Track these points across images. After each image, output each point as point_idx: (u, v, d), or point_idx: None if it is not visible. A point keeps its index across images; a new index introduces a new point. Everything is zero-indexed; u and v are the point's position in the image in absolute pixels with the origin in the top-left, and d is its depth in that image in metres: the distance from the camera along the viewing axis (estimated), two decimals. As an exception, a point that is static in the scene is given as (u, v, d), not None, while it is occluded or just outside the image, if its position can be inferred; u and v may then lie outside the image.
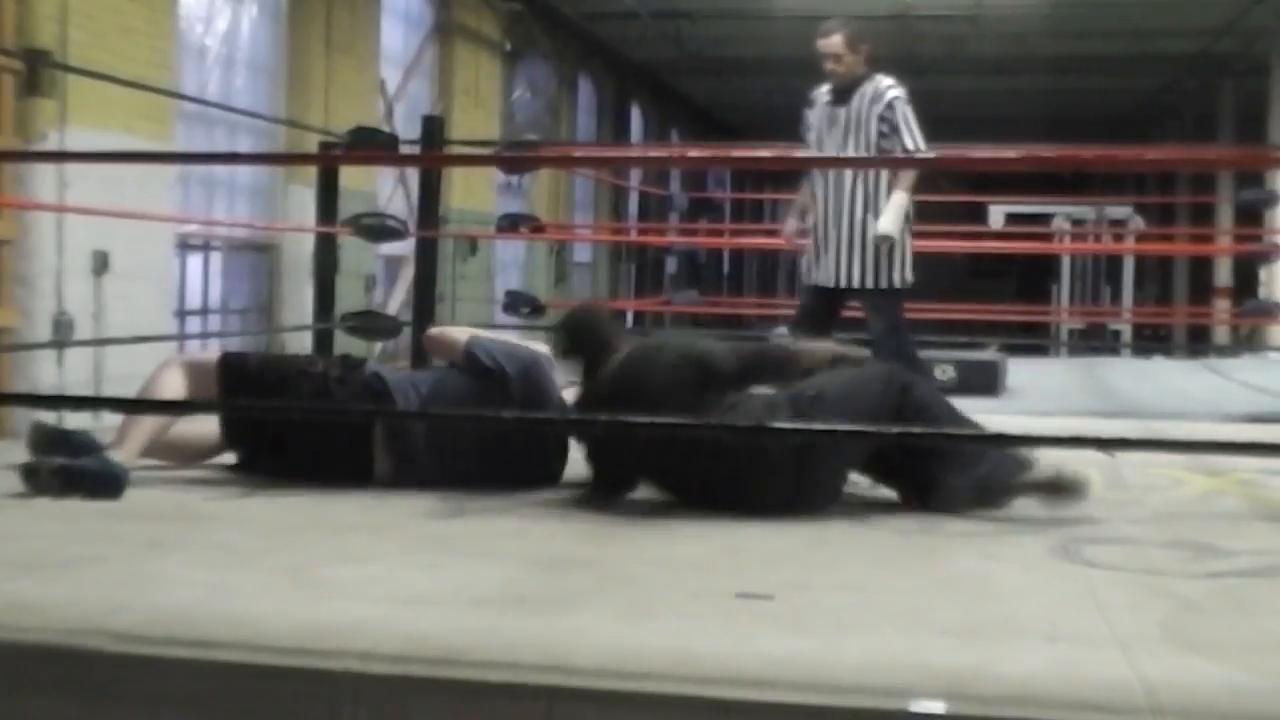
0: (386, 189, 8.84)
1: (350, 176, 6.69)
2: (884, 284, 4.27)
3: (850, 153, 4.27)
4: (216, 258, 7.04)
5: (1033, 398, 6.60)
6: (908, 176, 4.24)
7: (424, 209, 5.83)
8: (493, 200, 10.37)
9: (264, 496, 3.00)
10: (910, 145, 4.22)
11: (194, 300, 6.85)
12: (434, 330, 3.45)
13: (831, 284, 4.32)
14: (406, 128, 8.56)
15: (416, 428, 3.11)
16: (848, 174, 4.28)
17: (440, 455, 3.13)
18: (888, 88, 4.28)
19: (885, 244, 4.20)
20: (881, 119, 4.24)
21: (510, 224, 6.87)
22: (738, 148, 9.03)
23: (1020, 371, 7.49)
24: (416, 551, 2.51)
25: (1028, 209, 11.59)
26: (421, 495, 3.04)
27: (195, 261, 6.86)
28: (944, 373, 6.88)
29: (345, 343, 5.55)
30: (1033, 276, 16.14)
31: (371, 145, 5.46)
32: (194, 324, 6.86)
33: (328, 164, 5.66)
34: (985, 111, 14.41)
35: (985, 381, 6.89)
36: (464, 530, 2.75)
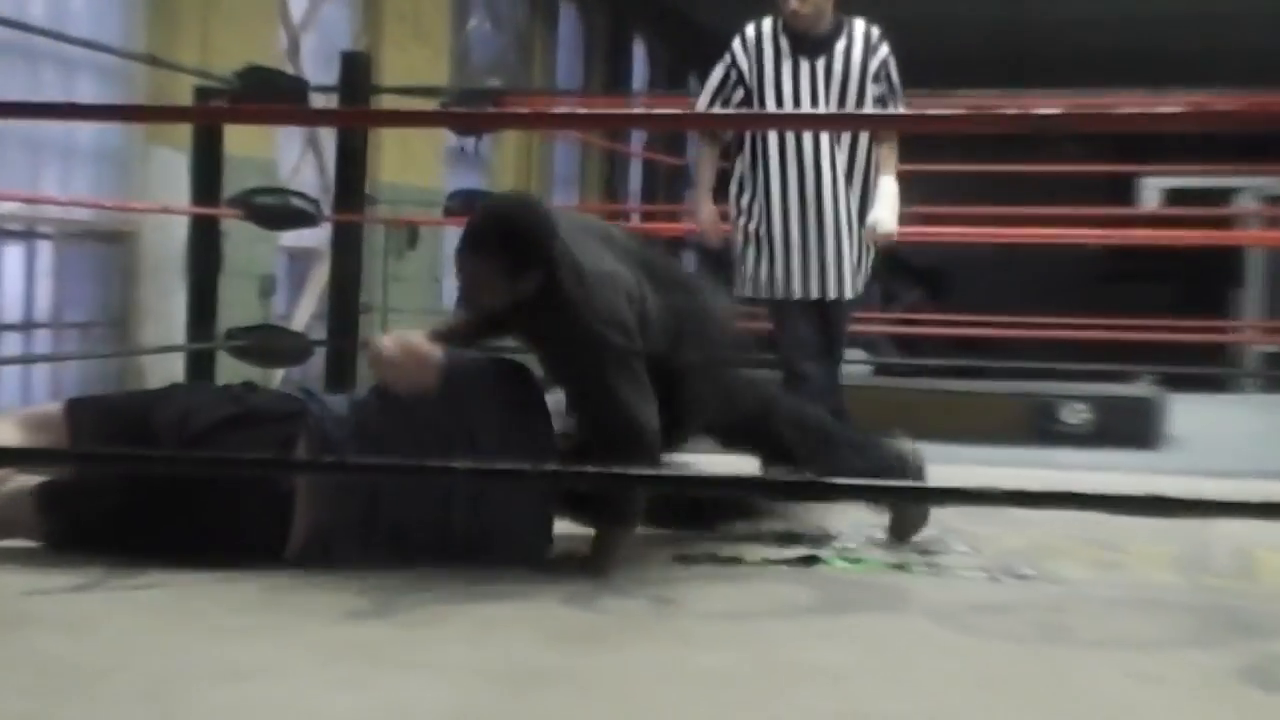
0: (291, 156, 8.87)
1: (240, 137, 6.72)
2: (857, 291, 4.65)
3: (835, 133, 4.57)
4: (45, 250, 7.06)
5: (1204, 451, 6.59)
6: (894, 153, 4.58)
7: (343, 184, 5.87)
8: (440, 173, 10.40)
9: (109, 588, 2.98)
10: (903, 106, 4.61)
11: (12, 310, 6.86)
12: (391, 342, 3.36)
13: (815, 295, 4.61)
14: (318, 69, 8.60)
15: (352, 479, 3.14)
16: (823, 144, 4.53)
17: (380, 520, 3.15)
18: (879, 36, 4.59)
19: (885, 243, 4.59)
20: (877, 78, 4.56)
21: (464, 205, 6.88)
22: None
23: (1187, 414, 7.49)
24: (330, 662, 2.50)
25: (1197, 182, 11.60)
26: (337, 580, 3.04)
27: (13, 255, 6.88)
28: (1075, 414, 6.88)
29: (231, 368, 5.55)
30: (1204, 279, 16.14)
31: (269, 93, 5.50)
32: (12, 343, 6.86)
33: (206, 119, 5.68)
34: (1127, 42, 14.49)
35: (1135, 427, 6.88)
36: (397, 631, 2.75)
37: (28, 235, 6.94)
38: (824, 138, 4.56)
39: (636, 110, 11.02)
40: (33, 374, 6.89)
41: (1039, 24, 14.04)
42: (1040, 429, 7.02)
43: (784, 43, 4.54)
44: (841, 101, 4.50)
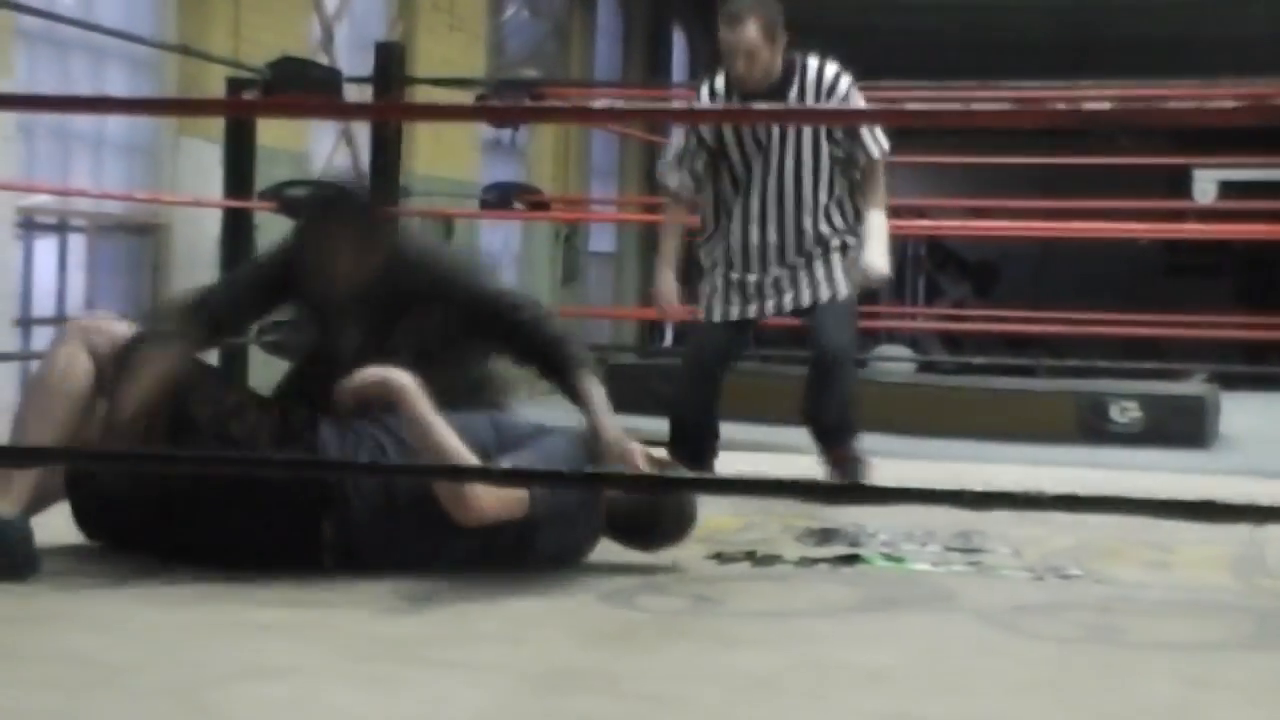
0: (324, 147, 8.91)
1: (272, 129, 6.76)
2: (841, 293, 4.56)
3: (798, 177, 4.48)
4: (77, 242, 7.11)
5: (1257, 451, 6.54)
6: (880, 186, 4.53)
7: (378, 177, 5.88)
8: (475, 164, 10.43)
9: (139, 586, 2.99)
10: (876, 151, 4.51)
11: (44, 303, 6.91)
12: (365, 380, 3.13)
13: (763, 315, 4.63)
14: (352, 59, 8.63)
15: (379, 489, 3.10)
16: (788, 183, 4.48)
17: (410, 524, 3.12)
18: (835, 75, 4.51)
19: (877, 283, 4.58)
20: (831, 135, 4.49)
21: (500, 198, 6.92)
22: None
23: (1241, 412, 7.43)
24: (361, 661, 2.50)
25: (1254, 175, 11.47)
26: (369, 577, 3.04)
27: (46, 248, 6.93)
28: (1125, 413, 6.84)
29: (264, 364, 5.57)
30: (1260, 274, 16.02)
31: (302, 85, 5.52)
32: (45, 337, 6.91)
33: (238, 111, 5.71)
34: (1187, 28, 14.36)
35: (1187, 426, 6.84)
36: (430, 629, 2.74)
37: (60, 228, 7.00)
38: (802, 183, 4.48)
39: (675, 105, 10.97)
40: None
41: (1100, 8, 13.94)
42: (1089, 428, 6.98)
43: (735, 100, 4.50)
44: (799, 158, 4.45)
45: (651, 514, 3.26)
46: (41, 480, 3.10)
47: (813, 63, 4.51)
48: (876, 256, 4.44)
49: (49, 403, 3.12)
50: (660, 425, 7.01)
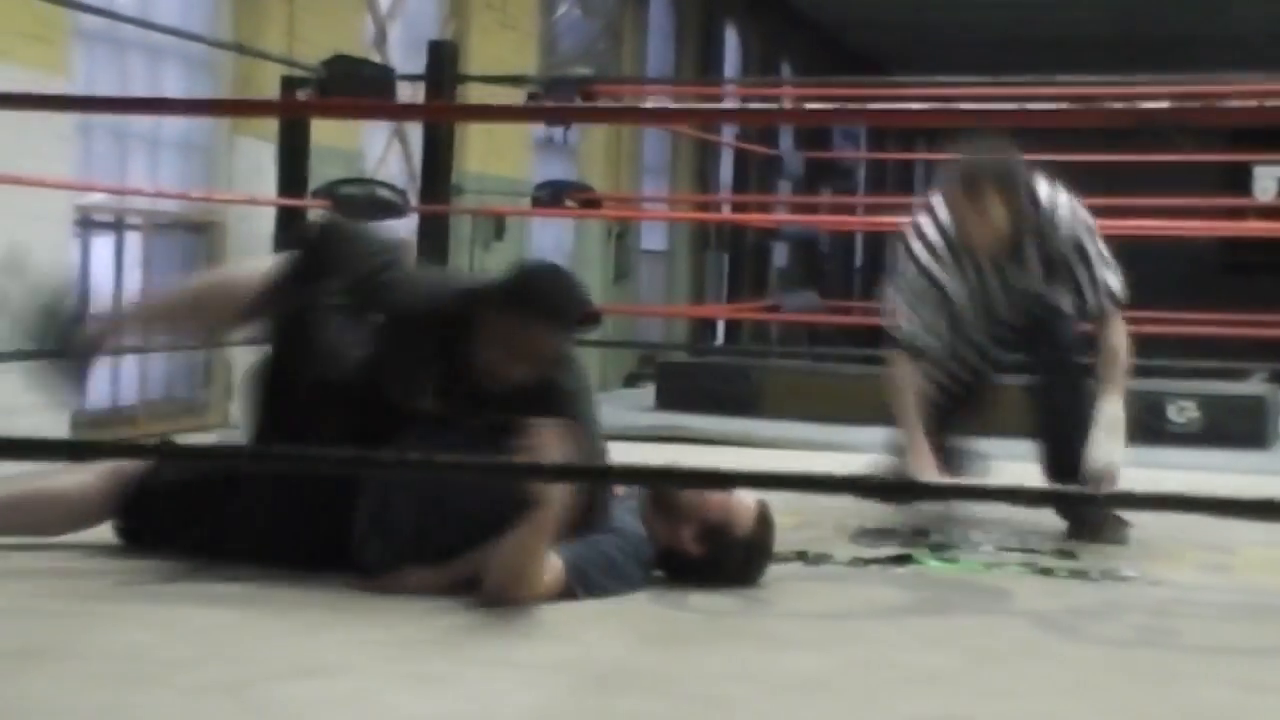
0: (377, 146, 8.95)
1: (326, 127, 6.80)
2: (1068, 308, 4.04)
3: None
4: (133, 240, 7.17)
5: (1321, 453, 6.46)
6: (1115, 352, 3.88)
7: (430, 175, 5.91)
8: (527, 162, 10.45)
9: (190, 584, 3.02)
10: (1111, 293, 3.93)
11: (101, 301, 6.98)
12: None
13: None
14: (405, 58, 8.67)
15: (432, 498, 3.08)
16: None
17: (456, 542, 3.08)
18: (1069, 211, 3.97)
19: (1108, 485, 3.70)
20: (1071, 265, 3.95)
21: (552, 196, 6.94)
22: (877, 87, 8.99)
23: (1303, 413, 7.32)
24: (411, 660, 2.51)
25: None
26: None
27: (103, 245, 7.00)
28: (1183, 412, 6.77)
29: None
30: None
31: (355, 83, 5.56)
32: (101, 335, 6.98)
33: (292, 111, 5.76)
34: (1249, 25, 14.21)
35: (1246, 427, 6.76)
36: (481, 630, 2.75)
37: (117, 226, 7.06)
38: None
39: (727, 105, 10.97)
40: (121, 365, 7.01)
41: (1155, 2, 13.82)
42: (1147, 428, 6.90)
43: (969, 267, 3.99)
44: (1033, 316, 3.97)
45: (751, 550, 3.18)
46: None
47: (1041, 196, 3.94)
48: (1104, 453, 3.73)
49: (219, 290, 3.24)
50: (709, 423, 7.03)
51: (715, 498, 3.10)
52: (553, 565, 2.91)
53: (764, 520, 3.15)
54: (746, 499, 3.13)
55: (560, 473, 2.75)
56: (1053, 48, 15.01)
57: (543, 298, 3.04)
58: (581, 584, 2.94)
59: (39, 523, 3.29)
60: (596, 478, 2.94)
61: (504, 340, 3.01)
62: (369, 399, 3.09)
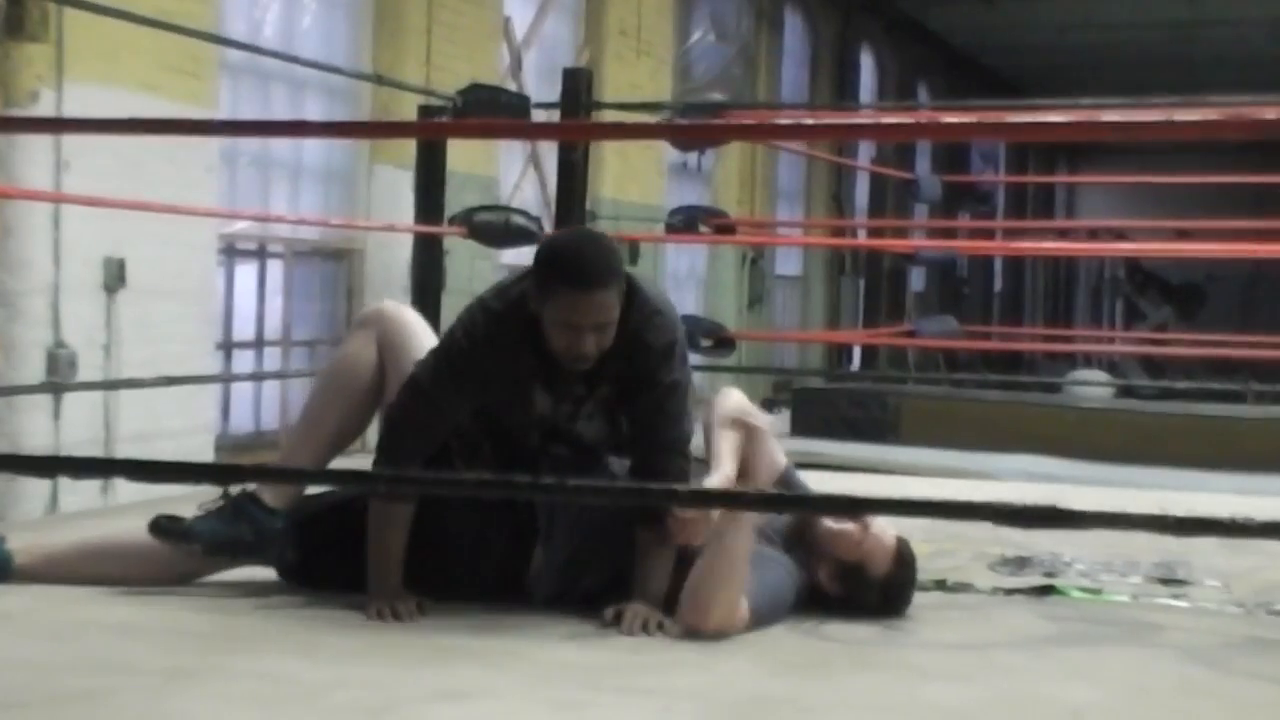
0: (513, 172, 9.05)
1: (462, 155, 6.88)
2: None
3: None
4: (275, 268, 7.33)
5: None
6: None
7: (564, 200, 5.93)
8: (661, 188, 10.49)
9: (333, 609, 3.05)
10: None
11: (244, 328, 7.13)
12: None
13: None
14: (540, 85, 8.76)
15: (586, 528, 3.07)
16: None
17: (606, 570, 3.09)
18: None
19: None
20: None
21: (686, 221, 6.92)
22: (1017, 109, 8.87)
23: None
24: (548, 686, 2.52)
25: None
26: (557, 609, 3.05)
27: (246, 273, 7.15)
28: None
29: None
30: None
31: (491, 110, 5.60)
32: (244, 361, 7.14)
33: (430, 136, 5.83)
34: None
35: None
36: (620, 656, 2.75)
37: (259, 254, 7.22)
38: None
39: (863, 120, 10.90)
40: (263, 390, 7.15)
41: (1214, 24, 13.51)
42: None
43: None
44: None
45: (889, 589, 3.11)
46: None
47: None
48: None
49: (335, 393, 3.19)
50: (845, 450, 6.97)
51: (851, 539, 3.05)
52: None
53: (902, 559, 3.10)
54: (885, 537, 3.07)
55: (701, 497, 2.74)
56: (1209, 68, 14.67)
57: (567, 263, 2.95)
58: (756, 616, 2.93)
59: (114, 573, 3.20)
60: (724, 504, 2.92)
61: (561, 319, 2.94)
62: (497, 435, 3.10)
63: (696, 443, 3.08)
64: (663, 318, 3.05)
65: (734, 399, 3.05)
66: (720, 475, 2.90)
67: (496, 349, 3.02)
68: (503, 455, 3.10)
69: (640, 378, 3.02)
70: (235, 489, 3.11)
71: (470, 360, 3.02)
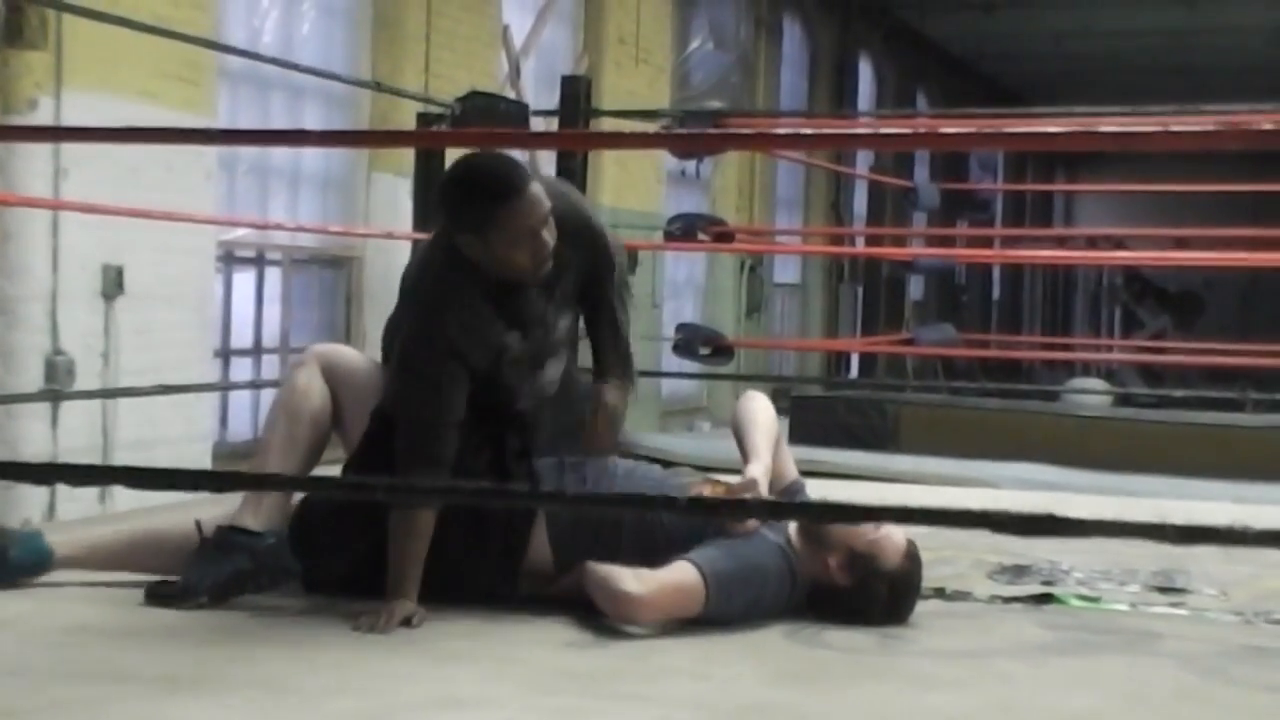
0: (509, 180, 9.04)
1: (459, 161, 6.88)
2: None
3: None
4: (273, 275, 7.32)
5: None
6: None
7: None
8: (660, 196, 10.49)
9: (330, 614, 3.05)
10: None
11: (242, 335, 7.13)
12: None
13: None
14: (539, 93, 8.77)
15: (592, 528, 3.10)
16: None
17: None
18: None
19: None
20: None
21: (684, 229, 6.93)
22: (1015, 118, 8.89)
23: None
24: (546, 693, 2.52)
25: None
26: (556, 608, 3.06)
27: (244, 280, 7.15)
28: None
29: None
30: None
31: (490, 118, 5.61)
32: (242, 368, 7.14)
33: (429, 144, 5.84)
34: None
35: None
36: (616, 663, 2.75)
37: (258, 261, 7.22)
38: None
39: (861, 129, 10.92)
40: (261, 398, 7.15)
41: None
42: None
43: None
44: None
45: (898, 584, 3.12)
46: (285, 502, 3.18)
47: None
48: None
49: (293, 419, 3.18)
50: (843, 457, 6.97)
51: (865, 530, 3.08)
52: (684, 571, 2.92)
53: (912, 558, 3.12)
54: (896, 534, 3.10)
55: (702, 506, 2.74)
56: (1207, 75, 14.68)
57: (487, 183, 2.98)
58: (716, 581, 2.93)
59: (154, 564, 3.23)
60: (736, 513, 2.93)
61: (513, 232, 2.98)
62: (483, 402, 3.12)
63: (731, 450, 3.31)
64: (571, 190, 3.33)
65: (763, 400, 3.39)
66: (760, 465, 3.16)
67: (460, 315, 3.05)
68: (494, 432, 3.16)
69: (587, 247, 3.25)
70: (208, 528, 3.10)
71: (444, 334, 3.05)
